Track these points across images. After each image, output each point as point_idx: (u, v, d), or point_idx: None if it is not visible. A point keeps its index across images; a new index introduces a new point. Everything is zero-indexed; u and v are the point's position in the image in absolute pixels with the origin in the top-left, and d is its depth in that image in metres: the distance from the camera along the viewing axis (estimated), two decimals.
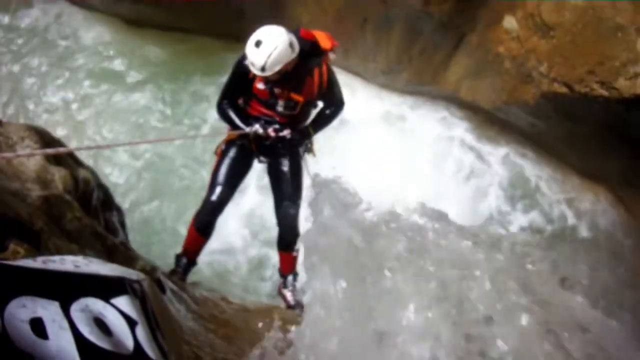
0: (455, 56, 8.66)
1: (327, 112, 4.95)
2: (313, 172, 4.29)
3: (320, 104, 4.97)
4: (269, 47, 4.12)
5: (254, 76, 4.39)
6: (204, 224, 4.88)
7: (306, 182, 4.85)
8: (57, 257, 1.94)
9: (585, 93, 6.79)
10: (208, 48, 10.22)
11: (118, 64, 10.09)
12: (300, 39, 4.39)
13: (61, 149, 4.45)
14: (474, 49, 8.30)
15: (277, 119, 4.66)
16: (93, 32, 10.38)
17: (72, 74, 9.95)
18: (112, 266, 2.05)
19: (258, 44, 4.14)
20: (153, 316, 1.93)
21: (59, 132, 8.35)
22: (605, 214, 8.68)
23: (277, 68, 4.18)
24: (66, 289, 1.68)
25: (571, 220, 8.81)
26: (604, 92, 6.57)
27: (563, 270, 6.62)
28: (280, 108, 4.58)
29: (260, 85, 4.46)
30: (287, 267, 5.10)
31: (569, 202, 8.92)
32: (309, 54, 4.42)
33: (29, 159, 4.63)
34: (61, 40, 10.29)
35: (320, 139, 5.32)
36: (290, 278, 5.09)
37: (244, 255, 7.81)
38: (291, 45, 4.22)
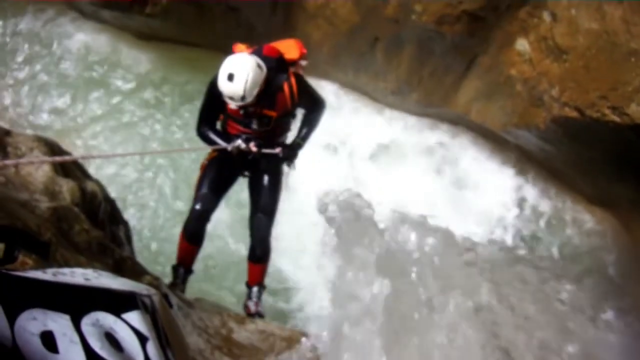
0: (466, 78, 8.63)
1: (311, 116, 5.08)
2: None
3: (302, 111, 5.13)
4: (242, 76, 4.30)
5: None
6: (192, 232, 4.99)
7: (284, 196, 5.20)
8: (67, 270, 1.92)
9: (597, 118, 6.75)
10: (218, 64, 10.21)
11: (126, 78, 10.11)
12: (264, 58, 4.62)
13: (66, 157, 4.43)
14: (486, 71, 8.28)
15: (255, 135, 4.79)
16: (103, 45, 10.41)
17: (79, 86, 9.98)
18: (122, 280, 2.01)
19: (231, 77, 4.32)
20: (163, 332, 1.89)
21: (66, 143, 8.34)
22: (611, 240, 8.62)
23: (255, 92, 4.39)
24: (77, 303, 1.65)
25: (577, 245, 8.75)
26: (616, 118, 6.53)
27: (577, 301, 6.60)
28: (254, 126, 4.77)
29: (233, 106, 4.57)
30: (254, 279, 5.15)
31: (575, 227, 8.86)
32: (276, 70, 4.62)
33: (37, 170, 4.62)
34: (70, 53, 10.32)
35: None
36: (255, 289, 5.14)
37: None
38: (259, 66, 4.42)
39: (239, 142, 4.64)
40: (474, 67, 8.44)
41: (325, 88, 10.04)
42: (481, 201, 9.10)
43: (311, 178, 8.00)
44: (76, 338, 1.53)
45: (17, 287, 1.55)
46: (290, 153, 4.97)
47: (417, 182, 9.15)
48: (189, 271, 5.16)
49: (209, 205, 4.93)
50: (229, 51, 9.82)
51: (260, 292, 5.16)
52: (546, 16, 7.28)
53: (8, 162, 3.96)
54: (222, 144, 4.73)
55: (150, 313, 1.84)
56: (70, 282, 1.72)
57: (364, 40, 8.91)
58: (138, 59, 10.26)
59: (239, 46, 4.89)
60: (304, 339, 4.55)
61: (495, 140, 9.29)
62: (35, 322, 1.49)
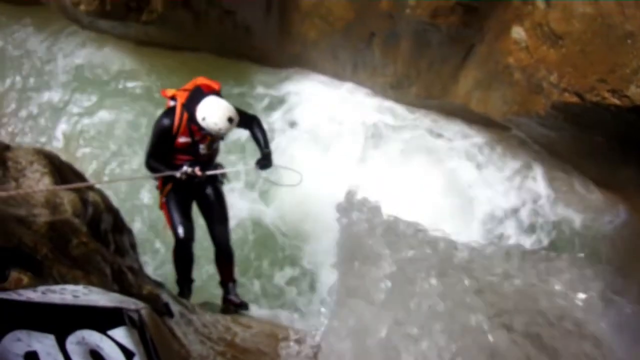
0: (464, 68, 8.62)
1: (257, 129, 5.66)
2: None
3: (244, 131, 5.75)
4: (236, 117, 5.15)
5: (177, 133, 5.22)
6: (183, 257, 5.74)
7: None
8: (57, 287, 1.93)
9: (597, 102, 6.71)
10: (219, 66, 10.29)
11: (128, 84, 10.17)
12: (206, 94, 5.25)
13: (81, 184, 4.46)
14: (483, 60, 8.26)
15: (198, 159, 5.43)
16: (103, 54, 10.48)
17: (80, 95, 10.04)
18: (111, 296, 2.02)
19: (231, 120, 5.08)
20: (152, 345, 1.90)
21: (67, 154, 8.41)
22: (622, 223, 8.58)
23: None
24: (63, 322, 1.66)
25: (584, 227, 8.72)
26: (616, 101, 6.49)
27: (587, 287, 6.57)
28: (202, 151, 5.43)
29: (182, 139, 5.27)
30: (228, 277, 5.94)
31: (582, 210, 8.83)
32: None
33: (38, 183, 4.65)
34: (71, 62, 10.39)
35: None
36: (231, 285, 5.92)
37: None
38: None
39: (185, 168, 5.20)
40: (471, 57, 8.43)
41: (320, 83, 10.11)
42: (487, 190, 9.08)
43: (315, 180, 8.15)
44: (60, 357, 1.54)
45: (2, 309, 1.56)
46: (267, 162, 5.53)
47: (421, 175, 9.15)
48: (190, 281, 5.97)
49: (189, 229, 5.52)
50: (226, 54, 9.92)
51: (235, 286, 5.95)
52: (540, 3, 7.25)
53: (21, 191, 4.00)
54: (172, 172, 5.20)
55: (138, 328, 1.85)
56: (56, 302, 1.73)
57: (361, 36, 8.91)
58: (138, 66, 10.31)
59: (169, 91, 5.46)
60: (309, 338, 4.57)
61: (497, 129, 9.27)
62: (19, 343, 1.50)
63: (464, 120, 9.60)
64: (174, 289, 5.86)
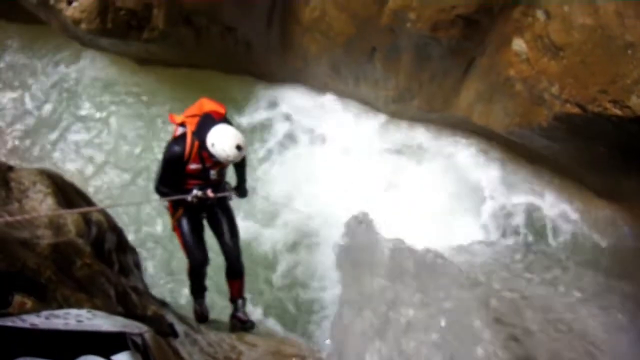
0: (465, 81, 8.62)
1: (241, 163, 6.01)
2: None
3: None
4: (245, 143, 5.36)
5: (188, 159, 5.40)
6: (196, 276, 6.00)
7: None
8: (61, 312, 1.94)
9: (599, 113, 6.71)
10: (221, 82, 10.34)
11: (130, 102, 10.22)
12: (217, 121, 5.43)
13: (91, 208, 4.47)
14: (484, 73, 8.26)
15: (208, 183, 5.63)
16: (104, 72, 10.55)
17: (83, 113, 10.11)
18: (115, 319, 2.03)
19: (239, 147, 5.26)
20: None
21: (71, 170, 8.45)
22: (622, 233, 8.56)
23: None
24: (66, 348, 1.66)
25: (587, 238, 8.71)
26: (617, 111, 6.49)
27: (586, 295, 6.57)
28: (213, 176, 5.65)
29: (193, 165, 5.46)
30: (237, 293, 6.06)
31: (585, 221, 8.82)
32: None
33: (41, 205, 4.66)
34: (70, 80, 10.45)
35: None
36: (240, 302, 6.05)
37: None
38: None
39: (195, 192, 5.44)
40: (472, 69, 8.43)
41: (326, 99, 10.15)
42: (488, 201, 9.09)
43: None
44: None
45: (6, 336, 1.56)
46: (243, 191, 6.11)
47: (425, 188, 9.18)
48: (203, 289, 6.18)
49: (203, 253, 5.82)
50: (228, 70, 9.98)
51: (244, 304, 6.09)
52: (540, 14, 7.25)
53: (37, 214, 4.01)
54: (183, 196, 5.41)
55: (142, 352, 1.85)
56: (60, 328, 1.73)
57: (362, 50, 8.93)
58: (138, 84, 10.36)
59: (178, 117, 5.63)
60: (313, 355, 4.57)
61: (499, 141, 9.27)
62: None
63: (465, 131, 9.60)
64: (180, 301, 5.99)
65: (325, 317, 7.47)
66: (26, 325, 1.67)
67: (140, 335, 1.91)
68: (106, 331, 1.83)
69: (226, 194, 5.83)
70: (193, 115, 5.50)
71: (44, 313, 1.87)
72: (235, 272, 5.97)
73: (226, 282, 6.07)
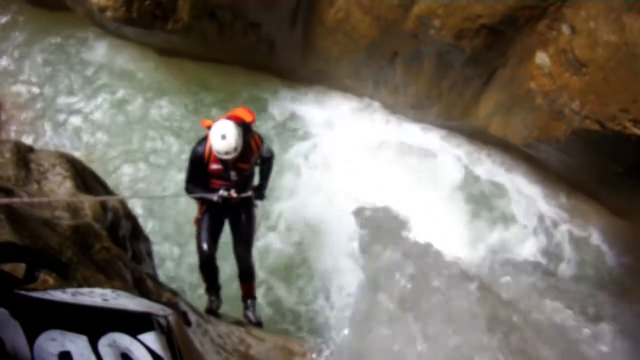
0: (486, 91, 8.60)
1: (266, 165, 6.29)
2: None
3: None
4: (230, 133, 5.39)
5: (208, 160, 5.65)
6: (206, 269, 6.12)
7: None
8: (86, 290, 1.94)
9: (618, 131, 6.70)
10: (241, 78, 10.37)
11: (148, 93, 10.24)
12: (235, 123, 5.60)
13: (110, 197, 4.49)
14: (505, 84, 8.24)
15: (232, 184, 5.82)
16: (126, 61, 10.57)
17: (102, 100, 10.14)
18: (139, 300, 2.03)
19: (224, 136, 5.36)
20: (179, 352, 1.91)
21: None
22: (636, 252, 8.54)
23: (241, 143, 5.49)
24: (95, 324, 1.67)
25: (599, 256, 8.70)
26: (637, 131, 6.48)
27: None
28: (233, 177, 5.81)
29: (214, 166, 5.68)
30: (248, 294, 6.33)
31: (598, 238, 8.80)
32: (244, 132, 5.64)
33: (60, 187, 4.69)
34: (92, 67, 10.49)
35: None
36: (249, 302, 6.30)
37: None
38: (236, 125, 5.50)
39: (221, 192, 5.66)
40: (493, 80, 8.41)
41: (347, 101, 10.18)
42: (503, 214, 9.09)
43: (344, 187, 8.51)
44: (93, 359, 1.55)
45: (36, 308, 1.58)
46: (260, 193, 6.23)
47: (438, 197, 9.18)
48: (218, 288, 6.29)
49: (211, 247, 5.98)
50: (249, 67, 10.00)
51: (254, 303, 6.36)
52: (565, 29, 7.23)
53: (61, 197, 4.04)
54: (208, 195, 5.70)
55: (166, 333, 1.86)
56: (88, 304, 1.74)
57: (383, 55, 8.93)
58: (158, 75, 10.40)
59: (207, 121, 5.77)
60: (319, 351, 4.58)
61: (516, 154, 9.26)
62: (54, 342, 1.51)
63: (483, 142, 9.60)
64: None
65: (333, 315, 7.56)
66: (55, 299, 1.68)
67: (165, 317, 1.92)
68: (133, 310, 1.84)
69: (246, 195, 5.95)
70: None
71: (70, 290, 1.87)
72: (245, 275, 6.22)
73: (239, 282, 6.32)
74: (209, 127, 5.64)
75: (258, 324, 6.18)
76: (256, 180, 6.33)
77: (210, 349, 3.50)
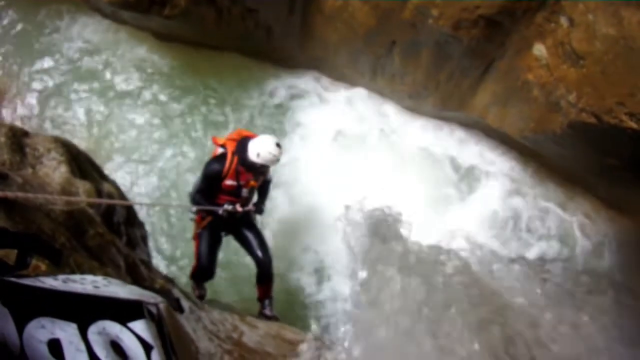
0: (483, 82, 8.60)
1: (266, 187, 6.83)
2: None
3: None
4: (278, 140, 6.22)
5: (225, 176, 6.18)
6: (203, 281, 6.74)
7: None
8: (77, 277, 1.95)
9: (614, 124, 6.70)
10: (238, 64, 10.34)
11: (145, 78, 10.21)
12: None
13: (118, 201, 4.49)
14: (503, 75, 8.24)
15: (238, 200, 6.35)
16: (123, 46, 10.51)
17: (98, 85, 10.10)
18: (130, 288, 2.04)
19: (278, 144, 6.15)
20: (169, 340, 1.92)
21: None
22: (630, 245, 8.57)
23: None
24: (85, 311, 1.68)
25: (593, 249, 8.73)
26: (633, 125, 6.48)
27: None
28: (244, 194, 6.40)
29: (229, 182, 6.23)
30: (266, 295, 6.63)
31: (591, 230, 8.83)
32: None
33: (54, 172, 4.68)
34: (88, 51, 10.43)
35: None
36: (266, 301, 6.61)
37: None
38: None
39: (227, 206, 6.14)
40: (491, 71, 8.41)
41: (343, 89, 10.16)
42: (496, 206, 9.10)
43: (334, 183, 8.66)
44: (82, 346, 1.56)
45: (27, 295, 1.58)
46: (259, 208, 6.65)
47: (431, 189, 9.19)
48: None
49: (211, 262, 6.45)
50: (246, 53, 9.97)
51: (271, 302, 6.64)
52: (563, 21, 7.22)
53: (65, 197, 4.02)
54: (216, 207, 6.16)
55: (156, 321, 1.88)
56: (79, 291, 1.75)
57: (381, 43, 8.91)
58: (155, 60, 10.36)
59: (220, 140, 6.53)
60: (312, 340, 4.60)
61: (512, 145, 9.27)
62: (43, 330, 1.52)
63: (479, 133, 9.61)
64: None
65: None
66: (45, 286, 1.69)
67: (156, 305, 1.93)
68: (123, 298, 1.85)
69: (249, 208, 6.42)
70: (232, 139, 6.37)
71: (61, 276, 1.88)
72: (266, 278, 6.57)
73: (255, 285, 6.67)
74: (222, 146, 6.34)
75: (274, 318, 6.44)
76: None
77: (203, 335, 3.52)
